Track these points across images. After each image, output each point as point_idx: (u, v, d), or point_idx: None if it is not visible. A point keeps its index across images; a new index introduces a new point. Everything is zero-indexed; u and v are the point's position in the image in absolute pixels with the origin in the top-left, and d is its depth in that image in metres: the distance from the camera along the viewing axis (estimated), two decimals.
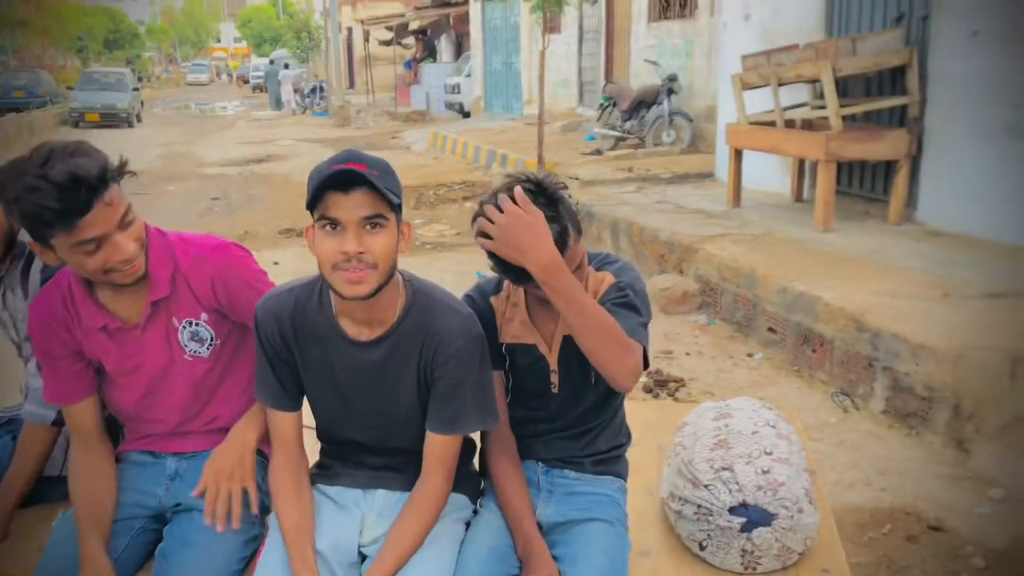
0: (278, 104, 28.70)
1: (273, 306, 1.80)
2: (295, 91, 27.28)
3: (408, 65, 25.43)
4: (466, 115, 19.87)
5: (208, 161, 15.05)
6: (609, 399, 1.88)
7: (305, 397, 1.88)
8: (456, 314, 1.76)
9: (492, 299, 1.88)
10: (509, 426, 1.88)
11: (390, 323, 1.75)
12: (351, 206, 1.57)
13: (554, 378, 1.84)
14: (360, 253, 1.58)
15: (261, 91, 37.33)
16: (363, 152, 1.64)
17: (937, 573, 2.73)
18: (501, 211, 1.58)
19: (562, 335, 1.80)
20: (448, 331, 1.73)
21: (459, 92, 20.24)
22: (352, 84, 33.26)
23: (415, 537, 1.71)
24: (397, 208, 1.64)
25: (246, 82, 46.82)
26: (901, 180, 5.84)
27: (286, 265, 6.83)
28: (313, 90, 26.68)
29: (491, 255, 1.65)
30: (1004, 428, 3.43)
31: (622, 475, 1.93)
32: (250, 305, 1.85)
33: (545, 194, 1.64)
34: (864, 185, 6.50)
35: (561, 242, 1.62)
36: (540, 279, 1.58)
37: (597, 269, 1.82)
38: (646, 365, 1.71)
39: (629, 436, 1.97)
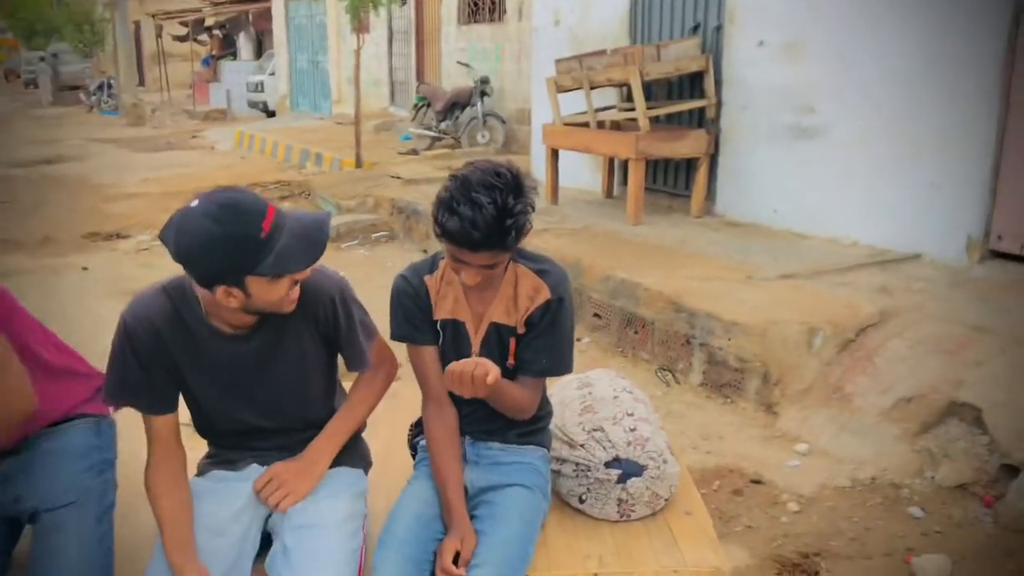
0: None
1: (146, 311, 1.79)
2: (79, 88, 25.41)
3: (206, 62, 24.40)
4: (271, 114, 19.34)
5: None
6: None
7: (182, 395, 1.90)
8: (318, 271, 1.87)
9: (426, 277, 1.97)
10: (448, 397, 1.97)
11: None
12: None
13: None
14: None
15: (35, 87, 34.42)
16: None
17: (761, 519, 3.09)
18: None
19: (489, 321, 1.93)
20: (319, 287, 1.86)
21: (263, 90, 19.67)
22: (142, 82, 31.32)
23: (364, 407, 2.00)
24: None
25: (18, 76, 42.87)
26: (701, 176, 6.39)
27: (97, 271, 6.45)
28: (100, 87, 24.95)
29: (442, 233, 1.76)
30: (804, 392, 3.91)
31: (544, 444, 2.06)
32: None
33: (522, 190, 1.75)
34: (668, 182, 7.04)
35: (520, 234, 1.77)
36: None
37: (532, 270, 1.94)
38: (569, 370, 1.97)
39: (551, 410, 2.11)
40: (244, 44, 23.87)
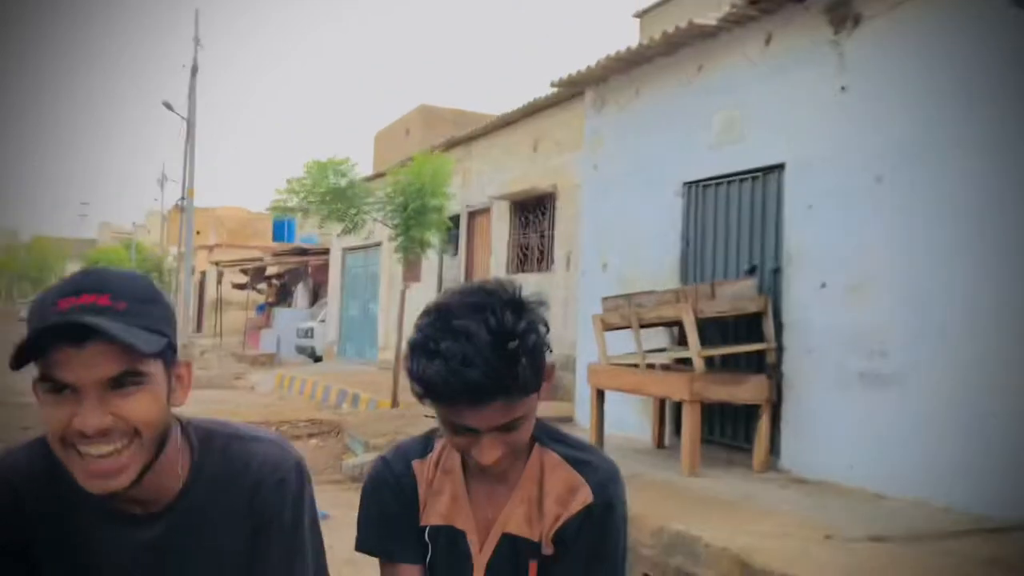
0: None
1: (5, 471, 1.25)
2: None
3: (261, 309, 25.09)
4: (318, 359, 19.41)
5: None
6: None
7: None
8: (257, 443, 1.31)
9: (414, 463, 1.42)
10: None
11: (174, 490, 1.26)
12: (84, 363, 1.08)
13: None
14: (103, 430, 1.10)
15: None
16: (108, 272, 1.18)
17: None
18: None
19: (502, 531, 1.36)
20: (260, 470, 1.28)
21: (312, 336, 19.89)
22: (200, 327, 32.33)
23: None
24: (166, 349, 1.18)
25: None
26: (763, 427, 5.79)
27: None
28: None
29: (424, 391, 1.24)
30: None
31: None
32: None
33: (523, 305, 1.25)
34: (726, 433, 6.43)
35: (537, 364, 1.24)
36: None
37: (567, 459, 1.39)
38: None
39: None
40: (300, 294, 24.63)
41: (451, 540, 1.39)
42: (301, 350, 20.27)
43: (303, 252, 22.50)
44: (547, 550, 1.36)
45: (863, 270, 5.30)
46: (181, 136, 21.94)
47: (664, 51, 6.83)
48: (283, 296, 25.40)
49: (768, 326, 5.87)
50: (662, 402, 6.65)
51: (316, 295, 23.32)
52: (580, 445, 1.43)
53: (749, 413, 6.04)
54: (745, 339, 6.08)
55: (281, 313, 22.50)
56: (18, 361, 1.09)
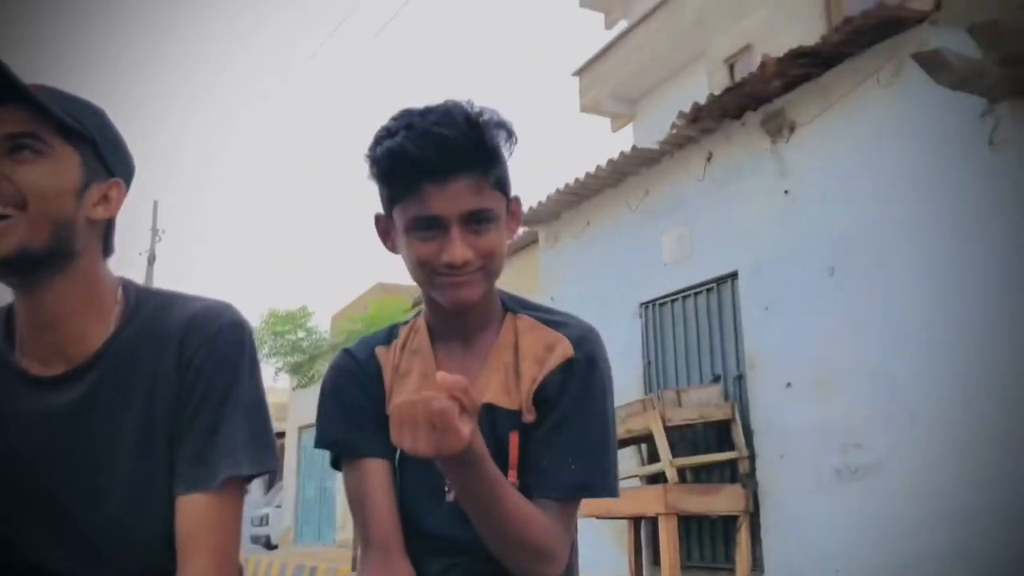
0: None
1: None
2: None
3: None
4: (273, 547, 18.39)
5: None
6: None
7: None
8: (201, 301, 1.17)
9: (377, 349, 1.30)
10: (404, 548, 1.20)
11: (98, 343, 1.12)
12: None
13: None
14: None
15: None
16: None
17: None
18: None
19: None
20: (194, 317, 1.13)
21: (267, 523, 18.97)
22: None
23: None
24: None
25: None
26: (743, 540, 5.51)
27: None
28: None
29: (383, 169, 1.19)
30: None
31: None
32: None
33: (468, 120, 1.16)
34: (705, 555, 6.10)
35: (505, 150, 1.19)
36: (444, 469, 1.06)
37: (542, 321, 1.28)
38: (613, 489, 1.20)
39: None
40: (256, 484, 23.69)
41: None
42: (255, 539, 19.23)
43: None
44: (528, 417, 1.22)
45: (827, 363, 5.26)
46: None
47: (611, 181, 7.07)
48: None
49: (738, 434, 5.72)
50: (636, 528, 6.33)
51: (271, 482, 22.43)
52: (554, 310, 1.32)
53: (727, 529, 5.78)
54: (716, 448, 5.91)
55: None
56: None
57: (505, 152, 1.20)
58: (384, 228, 1.27)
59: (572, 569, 1.27)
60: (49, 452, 1.10)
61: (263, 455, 1.13)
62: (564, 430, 1.19)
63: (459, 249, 1.14)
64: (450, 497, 1.20)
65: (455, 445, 0.96)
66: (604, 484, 1.21)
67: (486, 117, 1.16)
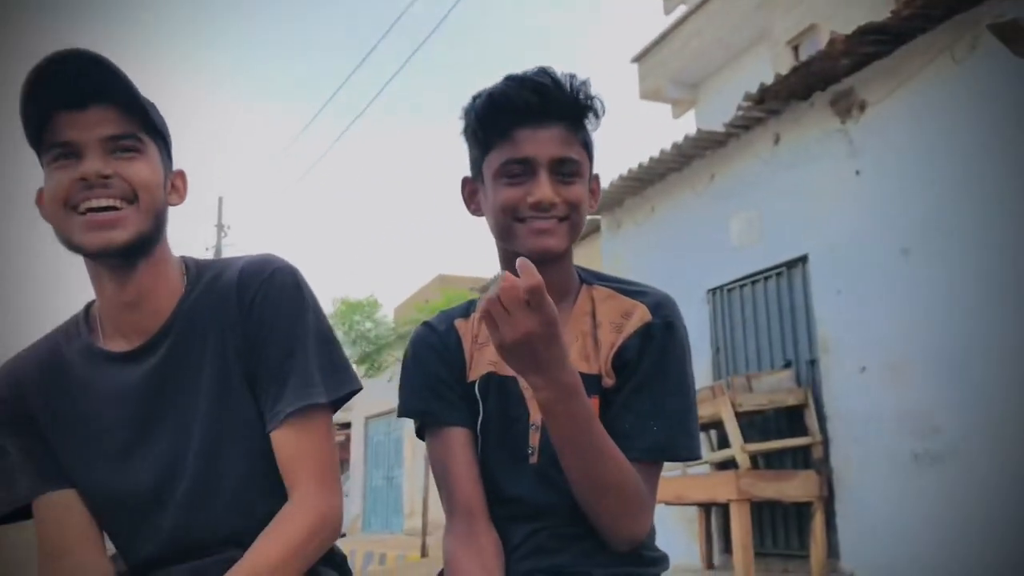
0: None
1: (13, 369, 1.27)
2: None
3: None
4: (341, 536, 18.72)
5: None
6: None
7: None
8: (248, 256, 1.27)
9: (457, 322, 1.33)
10: (488, 515, 1.22)
11: (168, 314, 1.22)
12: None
13: (533, 438, 1.23)
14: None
15: None
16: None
17: None
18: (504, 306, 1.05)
19: None
20: (245, 268, 1.23)
21: None
22: None
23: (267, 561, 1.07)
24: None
25: None
26: (818, 527, 5.44)
27: None
28: None
29: (478, 117, 1.26)
30: None
31: None
32: None
33: (564, 76, 1.24)
34: (779, 542, 6.05)
35: (598, 110, 1.26)
36: (544, 401, 1.10)
37: (618, 291, 1.32)
38: (696, 451, 1.23)
39: (663, 558, 1.28)
40: None
41: (502, 388, 1.27)
42: None
43: None
44: (608, 381, 1.24)
45: (901, 347, 5.16)
46: None
47: (676, 165, 7.01)
48: None
49: (811, 419, 5.64)
50: (707, 515, 6.30)
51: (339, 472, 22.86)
52: (630, 281, 1.36)
53: (801, 515, 5.71)
54: (787, 435, 5.84)
55: None
56: None
57: (592, 120, 1.25)
58: (471, 191, 1.32)
59: (653, 534, 1.29)
60: (139, 416, 1.20)
61: (339, 381, 1.21)
62: (644, 393, 1.21)
63: (547, 189, 1.18)
64: (533, 459, 1.23)
65: (552, 314, 1.01)
66: (686, 445, 1.23)
67: (582, 79, 1.23)
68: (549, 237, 1.21)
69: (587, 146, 1.27)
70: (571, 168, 1.22)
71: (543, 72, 1.21)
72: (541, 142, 1.20)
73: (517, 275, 1.09)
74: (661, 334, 1.24)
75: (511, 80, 1.21)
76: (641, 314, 1.25)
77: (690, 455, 1.24)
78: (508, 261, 1.27)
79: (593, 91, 1.25)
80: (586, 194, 1.26)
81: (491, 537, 1.21)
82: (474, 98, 1.25)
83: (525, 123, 1.20)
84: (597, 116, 1.26)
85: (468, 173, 1.33)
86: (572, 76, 1.23)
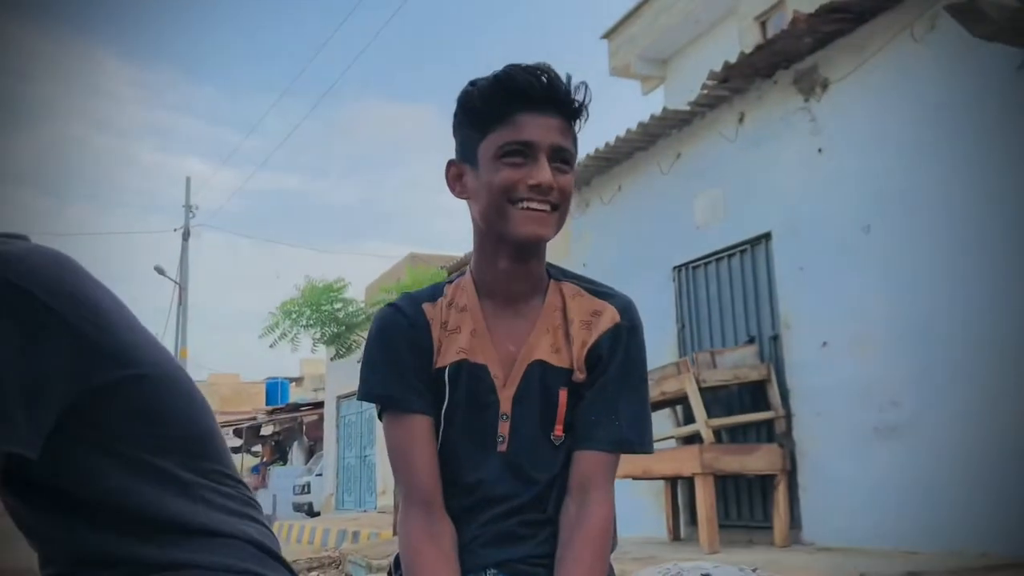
0: None
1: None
2: None
3: (256, 470, 24.48)
4: (315, 515, 18.78)
5: None
6: None
7: None
8: None
9: (425, 305, 1.33)
10: (443, 503, 1.26)
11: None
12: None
13: (503, 427, 1.27)
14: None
15: None
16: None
17: None
18: None
19: (526, 363, 1.28)
20: None
21: (308, 491, 19.36)
22: None
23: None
24: None
25: None
26: (781, 499, 5.54)
27: None
28: None
29: (474, 101, 1.30)
30: None
31: None
32: None
33: (566, 76, 1.28)
34: (742, 514, 6.16)
35: (588, 106, 1.30)
36: None
37: (586, 289, 1.36)
38: (649, 446, 1.31)
39: (614, 540, 1.33)
40: (296, 451, 24.13)
41: (473, 376, 1.29)
42: (298, 508, 19.66)
43: (296, 408, 22.25)
44: (579, 376, 1.29)
45: (863, 322, 5.25)
46: (174, 301, 22.07)
47: (642, 144, 7.04)
48: (279, 455, 24.88)
49: (773, 394, 5.74)
50: (674, 488, 6.40)
51: (312, 452, 22.84)
52: (594, 280, 1.40)
53: (764, 488, 5.82)
54: (751, 409, 5.93)
55: (276, 472, 21.97)
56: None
57: (580, 122, 1.30)
58: (456, 173, 1.32)
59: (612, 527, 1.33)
60: None
61: None
62: (610, 389, 1.27)
63: (547, 172, 1.22)
64: (502, 448, 1.26)
65: None
66: (641, 440, 1.30)
67: (579, 81, 1.28)
68: (541, 225, 1.24)
69: (576, 143, 1.31)
70: (566, 157, 1.26)
71: (546, 65, 1.26)
72: (543, 128, 1.23)
73: (495, 255, 1.21)
74: (627, 336, 1.30)
75: (516, 67, 1.24)
76: (611, 315, 1.31)
77: (645, 450, 1.31)
78: (489, 244, 1.30)
79: (587, 96, 1.29)
80: (569, 179, 1.30)
81: (448, 526, 1.24)
82: (472, 83, 1.27)
83: (528, 108, 1.23)
84: (585, 119, 1.30)
85: (451, 157, 1.35)
86: (570, 76, 1.27)
